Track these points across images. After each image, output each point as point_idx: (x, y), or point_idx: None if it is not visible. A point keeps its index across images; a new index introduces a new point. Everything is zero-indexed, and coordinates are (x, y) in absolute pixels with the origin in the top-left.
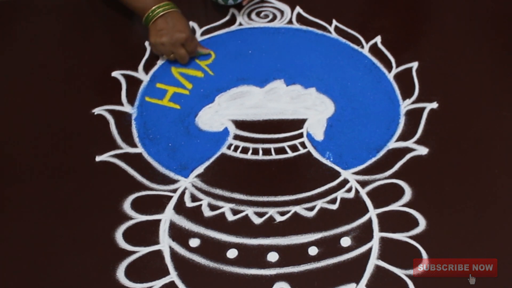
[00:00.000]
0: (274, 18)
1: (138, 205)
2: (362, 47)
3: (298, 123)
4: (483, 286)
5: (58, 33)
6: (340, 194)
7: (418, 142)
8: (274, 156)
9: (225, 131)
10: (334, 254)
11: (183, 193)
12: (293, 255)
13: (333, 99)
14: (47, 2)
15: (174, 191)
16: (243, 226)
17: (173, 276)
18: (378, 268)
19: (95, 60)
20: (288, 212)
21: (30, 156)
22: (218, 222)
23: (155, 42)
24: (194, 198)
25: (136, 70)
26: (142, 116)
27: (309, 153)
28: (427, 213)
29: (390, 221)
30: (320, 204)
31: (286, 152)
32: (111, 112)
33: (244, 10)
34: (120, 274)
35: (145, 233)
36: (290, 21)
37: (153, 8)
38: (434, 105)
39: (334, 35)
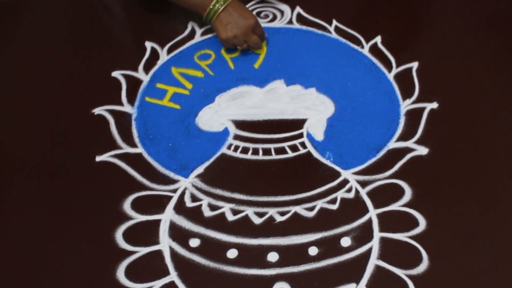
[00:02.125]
0: (274, 18)
1: (138, 205)
2: (362, 47)
3: (298, 123)
4: (483, 285)
5: (58, 33)
6: (340, 194)
7: (418, 142)
8: (274, 156)
9: (225, 131)
10: (334, 254)
11: (183, 193)
12: (293, 255)
13: (333, 99)
14: (47, 2)
15: (174, 191)
16: (243, 226)
17: (173, 276)
18: (378, 268)
19: (95, 60)
20: (288, 212)
21: (30, 156)
22: (218, 222)
23: (227, 38)
24: (194, 198)
25: (136, 70)
26: (142, 116)
27: (309, 153)
28: (427, 213)
29: (390, 221)
30: (320, 204)
31: (286, 152)
32: (111, 112)
33: None
34: (120, 274)
35: (145, 233)
36: (290, 21)
37: (212, 3)
38: (434, 105)
39: (334, 35)
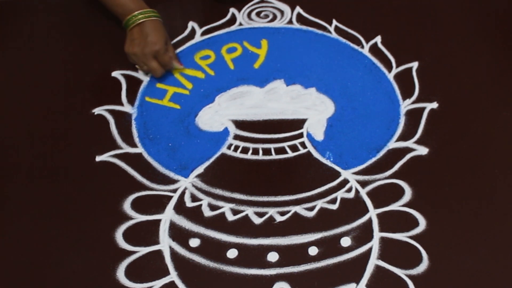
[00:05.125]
0: (274, 18)
1: (138, 205)
2: (362, 47)
3: (298, 123)
4: (483, 285)
5: (58, 33)
6: (340, 194)
7: (418, 142)
8: (274, 156)
9: (225, 131)
10: (334, 254)
11: (183, 193)
12: (293, 255)
13: (333, 99)
14: (47, 2)
15: (174, 191)
16: (243, 226)
17: (173, 276)
18: (378, 268)
19: (95, 60)
20: (288, 212)
21: (30, 156)
22: (218, 222)
23: (127, 52)
24: (194, 198)
25: (136, 70)
26: (142, 116)
27: (309, 153)
28: (427, 213)
29: (390, 221)
30: (320, 204)
31: (286, 152)
32: (111, 112)
33: (244, 10)
34: (120, 274)
35: (145, 233)
36: (290, 21)
37: (132, 15)
38: (434, 105)
39: (334, 35)
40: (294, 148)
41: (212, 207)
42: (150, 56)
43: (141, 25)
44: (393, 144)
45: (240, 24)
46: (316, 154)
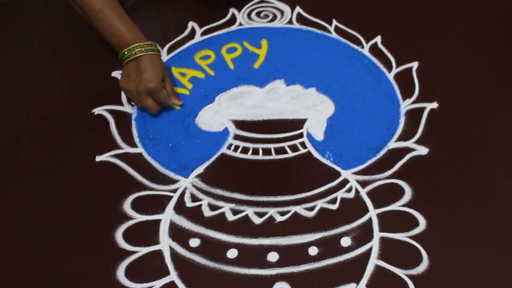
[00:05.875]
0: (274, 18)
1: (138, 205)
2: (362, 47)
3: (298, 123)
4: (483, 285)
5: (58, 33)
6: (340, 194)
7: (418, 142)
8: (274, 156)
9: (225, 131)
10: (334, 254)
11: (183, 193)
12: (293, 255)
13: (333, 99)
14: (47, 2)
15: (174, 191)
16: (243, 226)
17: (173, 276)
18: (378, 268)
19: (95, 60)
20: (288, 212)
21: (30, 156)
22: (218, 222)
23: (122, 87)
24: (194, 198)
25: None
26: (142, 116)
27: (309, 153)
28: (427, 213)
29: (390, 221)
30: (320, 204)
31: (286, 152)
32: (111, 112)
33: (244, 10)
34: (120, 274)
35: (145, 233)
36: (290, 21)
37: (129, 48)
38: (434, 105)
39: (334, 35)
40: (294, 148)
41: (212, 207)
42: (144, 94)
43: (137, 60)
44: (393, 144)
45: (240, 24)
46: (316, 154)
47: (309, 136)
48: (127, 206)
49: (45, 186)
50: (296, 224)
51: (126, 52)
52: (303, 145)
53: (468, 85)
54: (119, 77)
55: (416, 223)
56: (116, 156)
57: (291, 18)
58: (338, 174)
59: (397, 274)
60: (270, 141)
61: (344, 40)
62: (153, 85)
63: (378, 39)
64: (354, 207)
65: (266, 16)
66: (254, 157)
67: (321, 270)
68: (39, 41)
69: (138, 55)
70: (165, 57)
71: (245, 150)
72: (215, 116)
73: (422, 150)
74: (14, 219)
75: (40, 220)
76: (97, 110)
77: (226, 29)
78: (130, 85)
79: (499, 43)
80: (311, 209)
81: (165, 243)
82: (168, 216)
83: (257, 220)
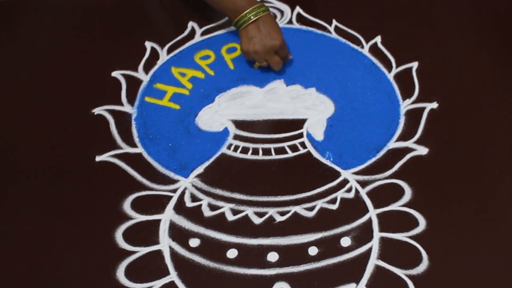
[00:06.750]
0: (274, 18)
1: (138, 205)
2: (362, 47)
3: (298, 123)
4: (483, 285)
5: (58, 33)
6: (340, 194)
7: (418, 142)
8: (274, 156)
9: (225, 131)
10: (334, 254)
11: (183, 193)
12: (293, 255)
13: (333, 99)
14: (47, 2)
15: (174, 191)
16: (243, 226)
17: (173, 276)
18: (378, 268)
19: (95, 60)
20: (288, 212)
21: (30, 156)
22: (218, 222)
23: (247, 50)
24: (194, 198)
25: (136, 70)
26: (142, 116)
27: (309, 153)
28: (427, 213)
29: (390, 221)
30: (320, 204)
31: (286, 152)
32: (111, 112)
33: None
34: (120, 274)
35: (145, 233)
36: (290, 21)
37: (245, 12)
38: (434, 105)
39: (334, 35)
40: (294, 148)
41: (212, 207)
42: (272, 52)
43: (257, 22)
44: (393, 144)
45: None
46: (316, 154)
47: (309, 136)
48: (127, 206)
49: (45, 186)
50: (296, 224)
51: (244, 16)
52: (303, 145)
53: (468, 85)
54: (119, 77)
55: (416, 223)
56: (116, 156)
57: (291, 18)
58: (338, 174)
59: (397, 274)
60: (270, 141)
61: (344, 40)
62: (279, 42)
63: (378, 39)
64: (354, 207)
65: None
66: (254, 157)
67: (321, 270)
68: (39, 41)
69: (259, 16)
70: (165, 57)
71: (245, 150)
72: (215, 116)
73: (422, 150)
74: (14, 219)
75: (40, 220)
76: (97, 110)
77: (226, 29)
78: (256, 46)
79: (499, 43)
80: (311, 209)
81: (165, 243)
82: (168, 216)
83: (257, 220)
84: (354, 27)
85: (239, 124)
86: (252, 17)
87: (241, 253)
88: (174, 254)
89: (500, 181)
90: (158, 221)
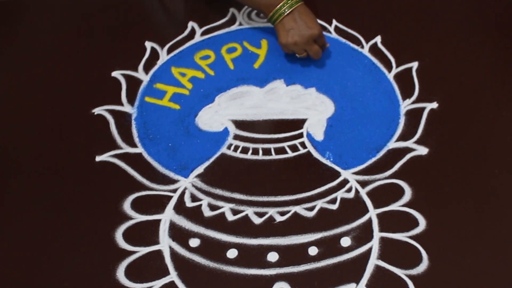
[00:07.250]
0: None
1: (138, 205)
2: (362, 47)
3: (298, 123)
4: (483, 285)
5: (58, 33)
6: (340, 194)
7: (418, 142)
8: (274, 156)
9: (225, 131)
10: (334, 254)
11: (183, 193)
12: (293, 255)
13: (333, 99)
14: (47, 2)
15: (174, 191)
16: (243, 226)
17: (173, 276)
18: (378, 268)
19: (95, 60)
20: (288, 212)
21: (30, 156)
22: (218, 222)
23: (286, 43)
24: (194, 198)
25: (136, 70)
26: (142, 116)
27: (309, 153)
28: (427, 213)
29: (390, 221)
30: (320, 204)
31: (286, 152)
32: (111, 112)
33: (244, 10)
34: (120, 274)
35: (145, 233)
36: None
37: (279, 5)
38: (434, 105)
39: (334, 35)
40: (294, 148)
41: (212, 207)
42: (311, 42)
43: (292, 14)
44: (393, 144)
45: (240, 24)
46: (316, 154)
47: (309, 136)
48: (127, 206)
49: (45, 186)
50: (296, 224)
51: (279, 9)
52: (303, 145)
53: (468, 85)
54: (119, 77)
55: (416, 223)
56: (116, 156)
57: None
58: (338, 174)
59: (397, 274)
60: (270, 141)
61: (344, 40)
62: (317, 31)
63: (378, 39)
64: (354, 207)
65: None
66: (254, 157)
67: (321, 270)
68: (39, 41)
69: (293, 7)
70: (165, 57)
71: (245, 150)
72: (215, 116)
73: (422, 150)
74: (14, 219)
75: (40, 220)
76: (97, 110)
77: (226, 29)
78: (295, 37)
79: (499, 43)
80: (311, 209)
81: (165, 243)
82: (168, 216)
83: (257, 220)
84: (354, 27)
85: (239, 124)
86: (286, 10)
87: (241, 253)
88: (174, 254)
89: (500, 181)
90: (158, 221)
